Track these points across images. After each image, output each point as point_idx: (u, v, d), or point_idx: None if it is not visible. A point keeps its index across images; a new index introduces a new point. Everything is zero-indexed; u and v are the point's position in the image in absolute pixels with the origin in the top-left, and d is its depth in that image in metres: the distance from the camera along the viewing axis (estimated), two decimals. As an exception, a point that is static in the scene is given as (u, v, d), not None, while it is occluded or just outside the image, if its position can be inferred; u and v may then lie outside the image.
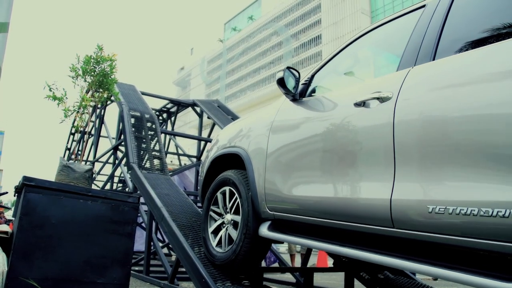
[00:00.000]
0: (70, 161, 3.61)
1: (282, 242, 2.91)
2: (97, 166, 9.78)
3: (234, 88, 72.64)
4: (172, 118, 11.26)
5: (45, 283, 2.63)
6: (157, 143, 6.49)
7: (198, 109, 9.94)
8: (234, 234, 2.90)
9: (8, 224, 7.49)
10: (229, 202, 3.06)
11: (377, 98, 2.00)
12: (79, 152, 7.75)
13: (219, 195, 3.19)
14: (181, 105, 10.75)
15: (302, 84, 2.71)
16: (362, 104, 2.07)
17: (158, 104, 11.15)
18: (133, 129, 6.29)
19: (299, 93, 2.67)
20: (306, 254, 4.93)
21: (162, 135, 8.69)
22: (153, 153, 5.99)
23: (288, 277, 5.86)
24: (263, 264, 7.17)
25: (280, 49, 64.16)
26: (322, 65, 2.74)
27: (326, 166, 2.24)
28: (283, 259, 5.85)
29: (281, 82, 2.59)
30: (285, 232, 2.58)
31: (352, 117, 2.14)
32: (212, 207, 3.23)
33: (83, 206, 2.90)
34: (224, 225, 3.07)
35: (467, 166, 1.55)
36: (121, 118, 6.59)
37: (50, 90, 3.73)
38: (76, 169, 3.39)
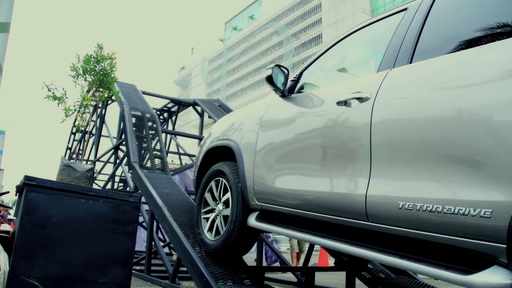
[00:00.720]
0: (71, 161, 3.61)
1: (269, 232, 3.00)
2: (98, 165, 9.78)
3: (235, 88, 72.61)
4: (173, 118, 11.26)
5: (46, 282, 2.63)
6: (158, 143, 6.49)
7: (199, 108, 9.94)
8: (225, 223, 3.04)
9: (10, 223, 7.48)
10: (221, 193, 3.17)
11: (357, 98, 2.09)
12: (80, 152, 7.76)
13: (211, 186, 3.30)
14: (182, 105, 10.74)
15: (291, 80, 2.79)
16: (344, 103, 2.16)
17: (159, 103, 11.15)
18: (134, 128, 6.28)
19: (288, 90, 2.76)
20: (307, 253, 4.93)
21: (163, 135, 8.69)
22: (154, 152, 5.99)
23: (289, 276, 5.86)
24: (264, 263, 7.16)
25: (280, 49, 64.12)
26: (310, 63, 2.83)
27: (308, 161, 2.34)
28: (284, 259, 5.84)
29: (270, 79, 2.70)
30: (272, 222, 2.70)
31: (334, 116, 2.23)
32: (205, 196, 3.36)
33: (84, 205, 2.90)
34: (216, 215, 3.19)
35: (433, 166, 1.66)
36: (122, 118, 6.59)
37: (49, 90, 3.73)
38: (78, 169, 3.39)
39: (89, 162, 9.35)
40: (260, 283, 3.11)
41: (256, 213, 2.80)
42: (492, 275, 1.47)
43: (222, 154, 3.36)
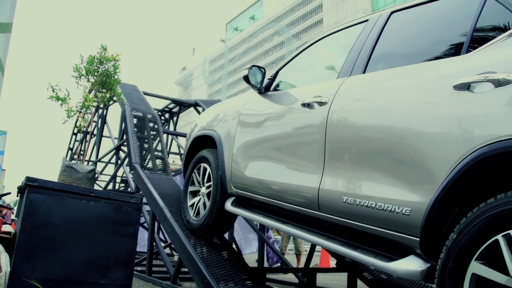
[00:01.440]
0: (73, 161, 3.61)
1: (241, 216, 3.21)
2: (100, 166, 9.78)
3: (236, 88, 72.63)
4: (174, 118, 11.25)
5: (47, 283, 2.63)
6: (159, 143, 6.47)
7: (200, 109, 9.93)
8: (206, 206, 3.34)
9: (10, 224, 7.45)
10: (204, 178, 3.46)
11: (318, 102, 2.32)
12: (82, 152, 7.75)
13: (196, 171, 3.59)
14: (183, 105, 10.73)
15: (268, 79, 3.02)
16: (307, 105, 2.40)
17: (160, 104, 11.14)
18: (136, 129, 6.27)
19: (265, 87, 2.99)
20: (309, 254, 4.92)
21: (164, 135, 8.67)
22: (156, 153, 5.98)
23: (290, 277, 5.85)
24: (266, 264, 7.16)
25: (282, 49, 64.15)
26: (285, 64, 3.08)
27: (275, 155, 2.64)
28: (285, 260, 5.83)
29: (247, 79, 2.94)
30: (246, 208, 2.99)
31: (298, 117, 2.50)
32: (190, 181, 3.67)
33: (85, 206, 2.90)
34: (199, 198, 3.50)
35: (370, 168, 1.94)
36: (123, 118, 6.58)
37: (53, 91, 3.74)
38: (79, 170, 3.39)
39: (90, 163, 9.35)
40: (262, 284, 3.11)
41: (232, 198, 3.09)
42: (408, 262, 1.74)
43: (207, 142, 3.58)
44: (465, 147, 1.52)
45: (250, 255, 8.10)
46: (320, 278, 5.84)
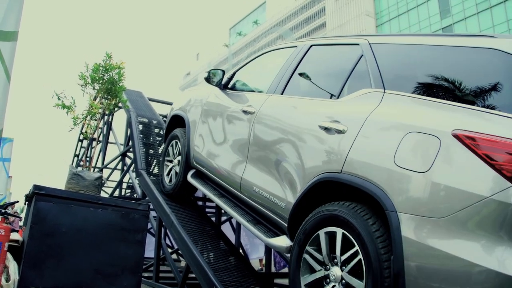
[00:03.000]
0: (79, 169, 3.62)
1: (195, 187, 3.72)
2: (106, 172, 9.78)
3: (240, 93, 72.51)
4: (179, 124, 11.24)
5: (56, 291, 2.63)
6: (165, 149, 6.47)
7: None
8: (176, 175, 3.99)
9: (18, 231, 7.42)
10: (175, 151, 4.11)
11: (249, 111, 2.94)
12: (88, 159, 7.77)
13: (171, 145, 4.23)
14: (188, 111, 10.73)
15: (227, 78, 3.59)
16: (244, 112, 3.03)
17: (165, 109, 11.15)
18: (141, 135, 6.28)
19: (224, 84, 3.59)
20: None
21: (170, 141, 8.69)
22: (161, 159, 5.98)
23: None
24: (273, 269, 7.11)
25: (285, 53, 63.96)
26: (241, 67, 3.65)
27: (220, 145, 3.31)
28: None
29: (207, 80, 3.59)
30: (202, 180, 3.61)
31: (238, 119, 3.13)
32: (167, 152, 4.29)
33: (93, 214, 2.90)
34: (172, 166, 4.15)
35: (268, 169, 2.63)
36: (129, 125, 6.60)
37: (58, 99, 3.75)
38: (86, 177, 3.39)
39: (96, 169, 9.36)
40: (270, 290, 3.09)
41: (193, 171, 3.74)
42: (280, 240, 2.48)
43: (181, 120, 4.14)
44: (313, 172, 2.21)
45: (257, 260, 8.06)
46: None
